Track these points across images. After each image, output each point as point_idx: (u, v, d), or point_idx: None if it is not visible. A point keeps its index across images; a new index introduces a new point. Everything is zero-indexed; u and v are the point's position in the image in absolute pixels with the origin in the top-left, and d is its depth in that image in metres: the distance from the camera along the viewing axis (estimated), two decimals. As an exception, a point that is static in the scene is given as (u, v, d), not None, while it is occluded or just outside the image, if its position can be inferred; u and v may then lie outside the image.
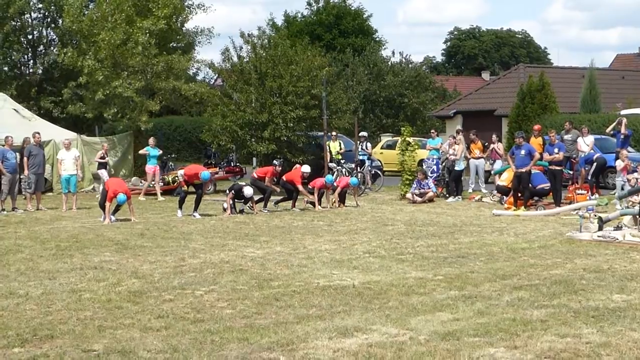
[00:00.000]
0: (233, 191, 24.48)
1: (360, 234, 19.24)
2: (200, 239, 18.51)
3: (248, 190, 24.30)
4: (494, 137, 30.41)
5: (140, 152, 31.51)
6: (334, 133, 33.05)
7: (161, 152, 31.81)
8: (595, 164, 27.45)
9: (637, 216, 18.50)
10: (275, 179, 26.38)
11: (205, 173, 24.12)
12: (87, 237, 18.97)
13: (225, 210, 24.37)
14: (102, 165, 30.33)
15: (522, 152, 24.37)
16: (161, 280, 13.27)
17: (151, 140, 31.22)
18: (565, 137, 28.22)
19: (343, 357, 8.61)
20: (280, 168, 26.41)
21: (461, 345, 8.97)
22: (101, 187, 26.09)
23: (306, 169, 26.07)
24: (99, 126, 40.38)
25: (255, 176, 26.06)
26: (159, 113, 40.23)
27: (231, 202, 24.31)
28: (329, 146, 31.99)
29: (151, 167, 30.39)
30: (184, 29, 37.82)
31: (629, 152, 27.66)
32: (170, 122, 53.47)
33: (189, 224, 21.45)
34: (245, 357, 8.64)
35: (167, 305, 11.30)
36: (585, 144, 27.90)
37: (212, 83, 55.46)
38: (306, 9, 69.76)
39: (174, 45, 37.10)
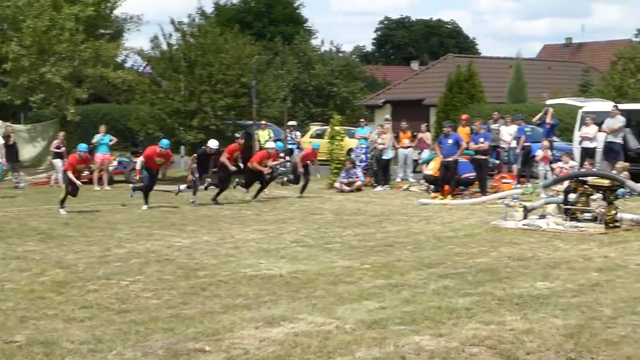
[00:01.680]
0: (195, 155, 24.17)
1: (288, 223, 19.22)
2: (126, 228, 18.33)
3: (213, 143, 23.93)
4: (423, 126, 30.62)
5: (93, 141, 30.68)
6: (263, 122, 32.96)
7: (115, 139, 31.03)
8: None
9: (561, 204, 18.78)
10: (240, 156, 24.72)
11: (164, 141, 23.33)
12: (10, 227, 18.67)
13: (189, 187, 23.94)
14: (57, 155, 29.56)
15: (450, 141, 24.59)
16: (86, 270, 13.11)
17: (102, 128, 30.78)
18: (493, 126, 28.51)
19: (269, 346, 8.59)
20: (243, 141, 25.30)
21: (387, 333, 9.01)
22: (59, 177, 25.76)
23: (212, 143, 24.39)
24: (24, 114, 39.69)
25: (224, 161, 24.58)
26: (87, 101, 39.69)
27: (197, 174, 23.72)
28: (258, 135, 31.89)
29: (100, 155, 29.79)
30: (112, 15, 37.30)
31: (554, 141, 27.99)
32: (97, 110, 52.81)
33: (116, 213, 21.22)
34: (170, 347, 8.57)
35: (91, 295, 11.17)
36: (508, 133, 28.21)
37: (140, 70, 54.91)
38: (236, -2, 69.51)
39: (102, 32, 36.57)
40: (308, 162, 26.39)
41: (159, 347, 8.56)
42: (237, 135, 24.85)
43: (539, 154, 26.51)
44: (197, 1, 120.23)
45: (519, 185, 25.61)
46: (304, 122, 50.10)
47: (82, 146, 22.37)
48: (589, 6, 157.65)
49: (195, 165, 24.09)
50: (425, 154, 29.56)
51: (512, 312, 10.03)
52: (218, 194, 24.06)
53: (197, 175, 23.89)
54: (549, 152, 26.60)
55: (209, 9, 68.47)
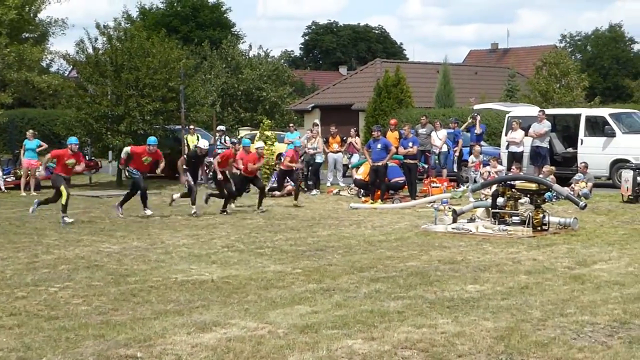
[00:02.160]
0: (185, 157, 22.77)
1: (218, 228, 19.13)
2: (54, 234, 18.07)
3: (203, 143, 22.72)
4: (352, 131, 30.74)
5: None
6: (191, 126, 32.77)
7: (44, 145, 30.44)
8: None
9: (490, 208, 18.98)
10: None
11: (151, 138, 21.97)
12: None
13: (184, 196, 22.02)
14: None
15: (379, 145, 24.73)
16: (13, 277, 12.89)
17: (29, 133, 30.26)
18: (420, 131, 28.72)
19: (202, 352, 8.53)
20: (239, 146, 23.97)
21: (319, 337, 9.01)
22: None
23: (203, 143, 22.86)
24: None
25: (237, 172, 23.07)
26: (11, 105, 39.07)
27: (190, 179, 21.85)
28: (186, 140, 31.71)
29: (27, 160, 29.27)
30: (37, 19, 36.80)
31: (481, 146, 28.29)
32: (22, 115, 51.98)
33: (43, 220, 20.90)
34: (101, 354, 8.46)
35: (19, 302, 10.98)
36: (439, 138, 28.46)
37: (66, 75, 54.20)
38: (162, 2, 68.91)
39: (27, 35, 36.06)
40: (293, 165, 25.24)
41: (90, 354, 8.45)
42: (233, 140, 23.64)
43: (472, 159, 26.75)
44: (123, 5, 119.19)
45: (459, 189, 25.88)
46: (233, 126, 49.92)
47: (73, 139, 21.10)
48: (514, 12, 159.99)
49: (185, 167, 22.12)
50: (355, 158, 29.69)
51: (444, 315, 10.11)
52: (226, 203, 22.48)
53: (191, 180, 21.95)
54: (482, 157, 26.88)
55: (135, 13, 67.89)
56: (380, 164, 24.46)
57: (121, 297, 11.25)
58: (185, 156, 22.99)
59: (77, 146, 20.93)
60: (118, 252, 15.48)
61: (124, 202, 21.70)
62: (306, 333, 9.21)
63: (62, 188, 19.92)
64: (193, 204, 21.65)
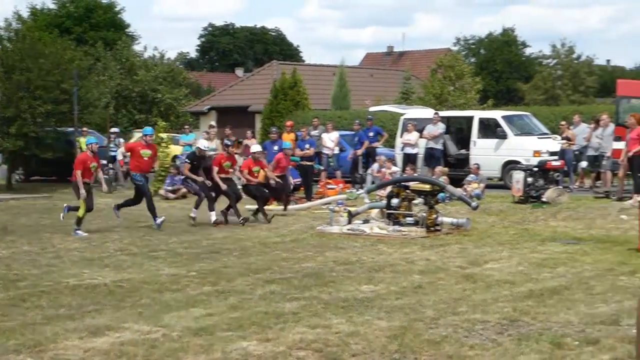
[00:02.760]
0: (187, 160, 20.92)
1: (111, 231, 18.87)
2: (-58, 239, 17.60)
3: (202, 143, 21.22)
4: (249, 133, 30.68)
5: None
6: (84, 129, 32.25)
7: None
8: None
9: (384, 209, 19.16)
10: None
11: (147, 128, 20.72)
12: None
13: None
14: None
15: (275, 147, 24.73)
16: None
17: None
18: (313, 132, 28.78)
19: (94, 356, 8.41)
20: (233, 149, 22.26)
21: (214, 340, 8.96)
22: None
23: (202, 143, 21.52)
24: None
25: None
26: None
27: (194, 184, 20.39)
28: (79, 142, 31.19)
29: None
30: None
31: (377, 147, 28.50)
32: None
33: None
34: (-11, 360, 8.28)
35: None
36: (330, 140, 28.59)
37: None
38: (53, 2, 67.62)
39: None
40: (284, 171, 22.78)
41: (-23, 361, 8.25)
42: (227, 142, 21.85)
43: (376, 167, 26.82)
44: (14, 5, 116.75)
45: (349, 191, 26.00)
46: (127, 128, 49.33)
47: (92, 139, 19.89)
48: (410, 16, 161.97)
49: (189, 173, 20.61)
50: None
51: (338, 315, 10.16)
52: (259, 209, 21.05)
53: (195, 185, 20.57)
54: (382, 158, 26.96)
55: (25, 13, 66.50)
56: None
57: (10, 303, 11.02)
58: (187, 161, 21.20)
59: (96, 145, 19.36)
60: (7, 256, 15.16)
61: (123, 206, 20.17)
62: (201, 335, 9.15)
63: None
64: (196, 208, 20.30)
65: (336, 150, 28.70)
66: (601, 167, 24.81)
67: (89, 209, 18.60)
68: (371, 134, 28.37)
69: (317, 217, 21.13)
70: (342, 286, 12.10)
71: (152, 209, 19.52)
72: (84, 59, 36.46)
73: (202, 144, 21.41)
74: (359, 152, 28.34)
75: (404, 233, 17.70)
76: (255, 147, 22.67)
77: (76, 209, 18.64)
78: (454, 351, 8.51)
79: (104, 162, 30.02)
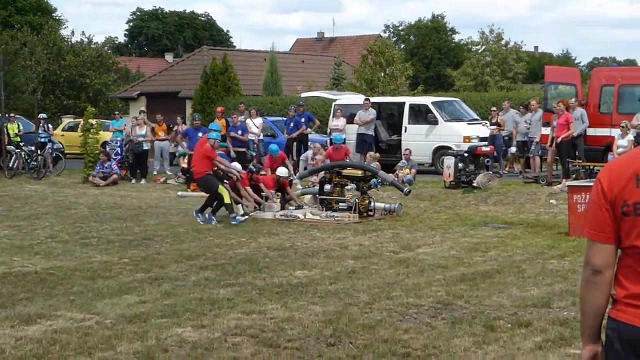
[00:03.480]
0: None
1: (42, 219, 18.63)
2: None
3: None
4: (179, 119, 30.48)
5: None
6: (12, 115, 31.72)
7: None
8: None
9: (317, 195, 19.19)
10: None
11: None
12: None
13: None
14: None
15: (200, 134, 24.69)
16: None
17: None
18: (240, 118, 28.67)
19: (27, 345, 8.29)
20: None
21: (149, 327, 8.90)
22: None
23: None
24: None
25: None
26: None
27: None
28: (6, 128, 30.69)
29: None
30: None
31: (309, 133, 28.49)
32: None
33: None
34: None
35: None
36: (255, 125, 28.53)
37: None
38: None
39: None
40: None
41: None
42: (252, 169, 20.03)
43: (310, 155, 26.76)
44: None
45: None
46: (56, 114, 48.69)
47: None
48: (340, 2, 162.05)
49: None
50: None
51: (273, 301, 10.16)
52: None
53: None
54: (317, 146, 26.92)
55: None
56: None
57: (-61, 292, 10.81)
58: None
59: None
60: None
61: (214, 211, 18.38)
62: (135, 323, 9.08)
63: None
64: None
65: (262, 136, 28.71)
66: (530, 152, 25.14)
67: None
68: (303, 120, 28.33)
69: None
70: (276, 272, 12.10)
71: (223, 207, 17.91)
72: (10, 43, 35.92)
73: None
74: (294, 135, 28.24)
75: (337, 219, 17.76)
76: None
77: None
78: (389, 335, 8.55)
79: (32, 148, 29.66)
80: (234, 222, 17.36)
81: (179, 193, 23.52)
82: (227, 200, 17.58)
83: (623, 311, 3.69)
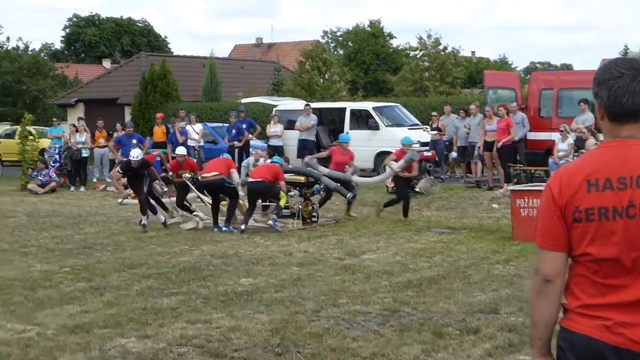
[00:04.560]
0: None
1: (-22, 227, 18.26)
2: None
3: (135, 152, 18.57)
4: (118, 125, 30.13)
5: None
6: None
7: None
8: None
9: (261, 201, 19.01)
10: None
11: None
12: None
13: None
14: None
15: (134, 140, 24.56)
16: None
17: None
18: (180, 124, 28.39)
19: (-36, 358, 8.06)
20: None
21: (91, 337, 8.72)
22: None
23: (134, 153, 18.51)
24: None
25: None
26: None
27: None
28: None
29: None
30: None
31: (250, 139, 28.31)
32: None
33: None
34: None
35: None
36: (195, 132, 28.32)
37: None
38: None
39: None
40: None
41: None
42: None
43: (251, 160, 26.50)
44: None
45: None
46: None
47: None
48: (278, 7, 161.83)
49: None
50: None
51: (218, 309, 10.02)
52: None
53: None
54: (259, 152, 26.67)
55: None
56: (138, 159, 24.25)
57: None
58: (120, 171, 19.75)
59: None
60: None
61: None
62: (77, 333, 8.90)
63: None
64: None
65: (202, 142, 28.52)
66: (471, 157, 25.24)
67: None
68: (244, 126, 28.15)
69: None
70: (220, 280, 11.96)
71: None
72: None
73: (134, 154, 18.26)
74: (239, 144, 27.93)
75: (280, 225, 17.62)
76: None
77: None
78: (337, 344, 8.46)
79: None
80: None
81: (119, 200, 23.20)
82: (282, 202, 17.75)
83: (576, 321, 3.61)
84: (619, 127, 3.62)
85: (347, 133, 27.55)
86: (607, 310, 3.55)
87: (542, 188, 14.38)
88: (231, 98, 42.74)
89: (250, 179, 17.78)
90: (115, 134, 29.16)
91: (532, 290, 3.75)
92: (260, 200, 18.21)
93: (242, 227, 17.09)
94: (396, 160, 18.53)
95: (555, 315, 3.70)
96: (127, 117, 40.85)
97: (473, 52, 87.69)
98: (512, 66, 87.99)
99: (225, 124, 30.28)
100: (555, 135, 22.68)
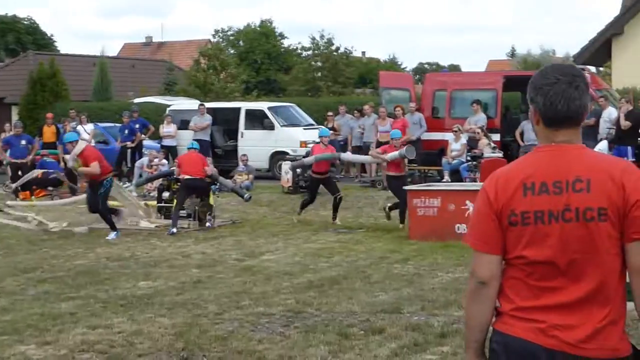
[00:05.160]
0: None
1: None
2: None
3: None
4: (7, 125, 29.42)
5: None
6: None
7: None
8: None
9: (155, 203, 18.80)
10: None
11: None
12: None
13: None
14: None
15: (23, 142, 24.15)
16: None
17: None
18: (71, 124, 27.88)
19: None
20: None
21: (-12, 345, 8.45)
22: None
23: None
24: None
25: None
26: None
27: None
28: None
29: None
30: None
31: (143, 139, 27.95)
32: None
33: None
34: None
35: None
36: (86, 132, 27.85)
37: None
38: None
39: None
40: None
41: None
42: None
43: (145, 160, 26.12)
44: None
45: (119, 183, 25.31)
46: None
47: None
48: (168, 6, 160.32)
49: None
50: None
51: (118, 314, 9.83)
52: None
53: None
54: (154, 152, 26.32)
55: None
56: (25, 160, 23.93)
57: None
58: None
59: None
60: None
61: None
62: (-27, 342, 8.61)
63: None
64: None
65: (93, 143, 28.03)
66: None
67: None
68: (137, 126, 27.76)
69: (83, 212, 20.36)
70: (118, 283, 11.76)
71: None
72: None
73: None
74: (131, 144, 27.49)
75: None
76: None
77: None
78: (242, 346, 8.37)
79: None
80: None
81: (8, 202, 22.58)
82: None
83: (510, 324, 3.62)
84: (554, 133, 3.64)
85: (242, 132, 27.56)
86: (541, 312, 3.57)
87: (437, 188, 14.55)
88: (123, 98, 42.14)
89: (186, 176, 17.48)
90: (3, 135, 28.45)
91: (467, 293, 3.75)
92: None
93: (174, 230, 16.90)
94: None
95: (490, 317, 3.70)
96: (15, 117, 39.92)
97: (363, 53, 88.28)
98: (402, 66, 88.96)
99: (117, 124, 29.78)
100: (448, 136, 23.01)
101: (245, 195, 18.88)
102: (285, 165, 23.62)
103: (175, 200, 18.17)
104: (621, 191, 3.50)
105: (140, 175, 25.12)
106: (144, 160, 26.21)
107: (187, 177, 17.40)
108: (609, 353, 3.53)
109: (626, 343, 3.59)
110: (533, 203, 3.57)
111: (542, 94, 3.62)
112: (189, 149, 18.46)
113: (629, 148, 20.36)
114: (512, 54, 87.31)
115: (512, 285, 3.65)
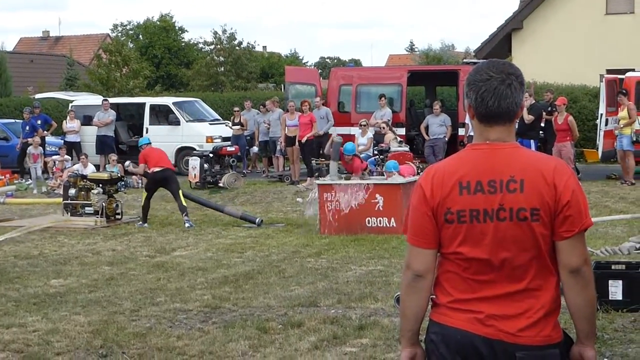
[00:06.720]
0: None
1: None
2: None
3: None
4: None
5: None
6: None
7: None
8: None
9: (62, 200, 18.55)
10: None
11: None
12: None
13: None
14: None
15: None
16: None
17: None
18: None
19: None
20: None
21: None
22: None
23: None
24: None
25: None
26: None
27: None
28: None
29: None
30: None
31: (45, 136, 27.46)
32: None
33: None
34: None
35: None
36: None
37: None
38: None
39: None
40: None
41: None
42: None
43: (31, 151, 25.61)
44: None
45: (17, 182, 24.87)
46: None
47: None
48: (65, 0, 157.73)
49: None
50: None
51: (32, 312, 9.69)
52: None
53: None
54: (40, 149, 25.78)
55: None
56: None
57: None
58: None
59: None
60: None
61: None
62: None
63: None
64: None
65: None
66: (273, 152, 25.42)
67: None
68: (39, 122, 27.25)
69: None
70: (29, 281, 11.57)
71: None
72: None
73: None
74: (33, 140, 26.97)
75: (84, 223, 17.22)
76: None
77: None
78: (162, 343, 8.33)
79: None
80: None
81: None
82: None
83: (448, 315, 3.70)
84: (487, 129, 3.73)
85: (147, 128, 27.31)
86: (478, 303, 3.66)
87: (346, 182, 14.57)
88: (22, 93, 41.36)
89: (156, 168, 17.21)
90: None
91: (403, 285, 3.82)
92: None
93: (146, 224, 16.93)
94: None
95: (425, 308, 3.79)
96: None
97: (264, 47, 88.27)
98: (304, 61, 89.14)
99: (17, 120, 29.22)
100: (355, 130, 23.16)
101: (257, 220, 17.92)
102: (194, 161, 23.44)
103: (81, 198, 18.00)
104: (553, 191, 3.61)
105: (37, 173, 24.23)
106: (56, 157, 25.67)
107: (157, 169, 17.23)
108: (542, 340, 3.65)
109: (558, 330, 3.71)
110: (468, 202, 3.65)
111: (475, 90, 3.71)
112: (144, 144, 18.13)
113: (532, 142, 20.75)
114: (411, 48, 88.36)
115: (448, 278, 3.74)
